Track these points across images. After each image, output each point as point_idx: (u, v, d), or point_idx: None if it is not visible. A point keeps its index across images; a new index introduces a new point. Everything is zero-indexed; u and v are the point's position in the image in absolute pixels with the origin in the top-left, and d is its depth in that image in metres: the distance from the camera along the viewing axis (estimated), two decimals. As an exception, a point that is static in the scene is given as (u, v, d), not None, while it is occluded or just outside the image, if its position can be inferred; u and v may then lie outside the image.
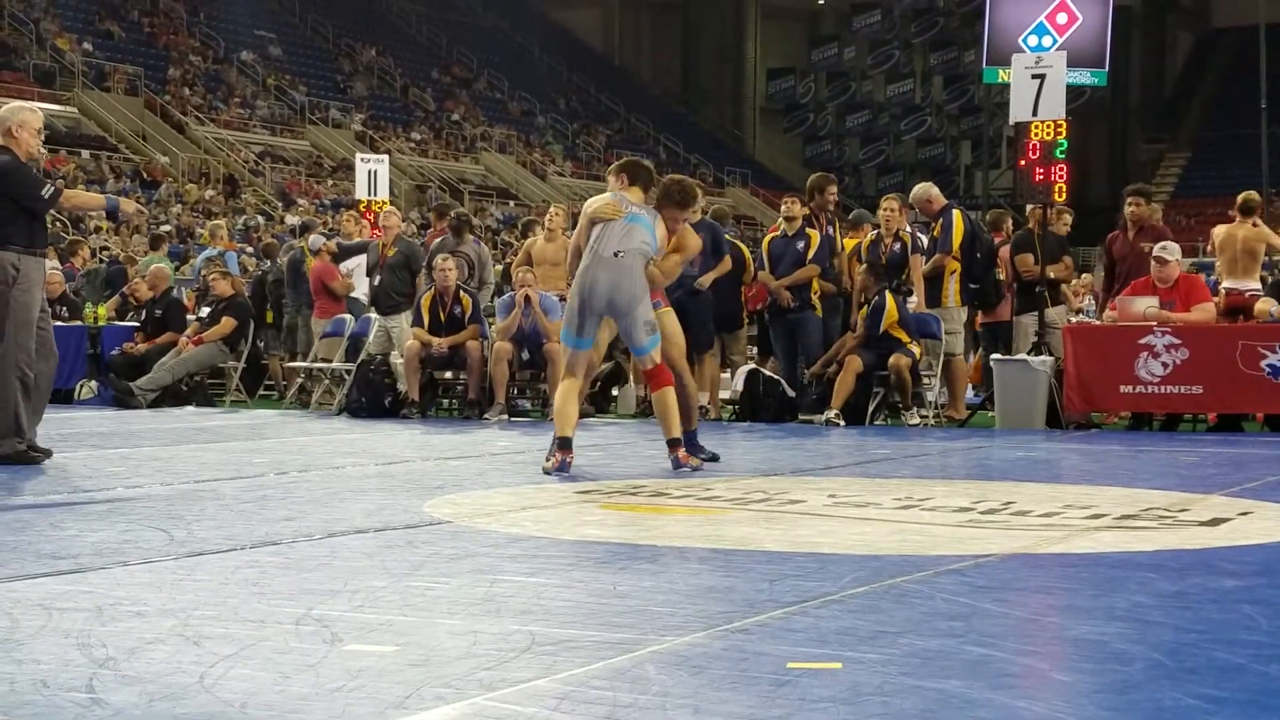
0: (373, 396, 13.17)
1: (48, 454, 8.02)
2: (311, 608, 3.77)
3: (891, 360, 11.61)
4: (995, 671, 3.12)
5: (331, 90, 42.70)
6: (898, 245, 12.28)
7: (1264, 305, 11.25)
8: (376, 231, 15.50)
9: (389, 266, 14.02)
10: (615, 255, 7.79)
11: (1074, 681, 3.06)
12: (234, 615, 3.69)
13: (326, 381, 14.31)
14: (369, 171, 18.36)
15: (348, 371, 13.67)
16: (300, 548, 4.91)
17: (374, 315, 14.11)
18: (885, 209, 12.45)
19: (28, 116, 8.10)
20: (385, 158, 20.57)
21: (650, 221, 7.96)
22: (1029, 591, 4.25)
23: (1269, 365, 10.64)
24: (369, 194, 18.11)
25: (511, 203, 40.42)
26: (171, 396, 14.61)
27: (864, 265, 12.08)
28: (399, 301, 13.87)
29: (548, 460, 7.73)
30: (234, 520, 5.66)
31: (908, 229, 12.59)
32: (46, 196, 7.95)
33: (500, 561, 4.64)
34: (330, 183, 36.45)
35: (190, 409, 14.19)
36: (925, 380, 12.05)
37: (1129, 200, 12.13)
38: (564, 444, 7.70)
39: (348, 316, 14.50)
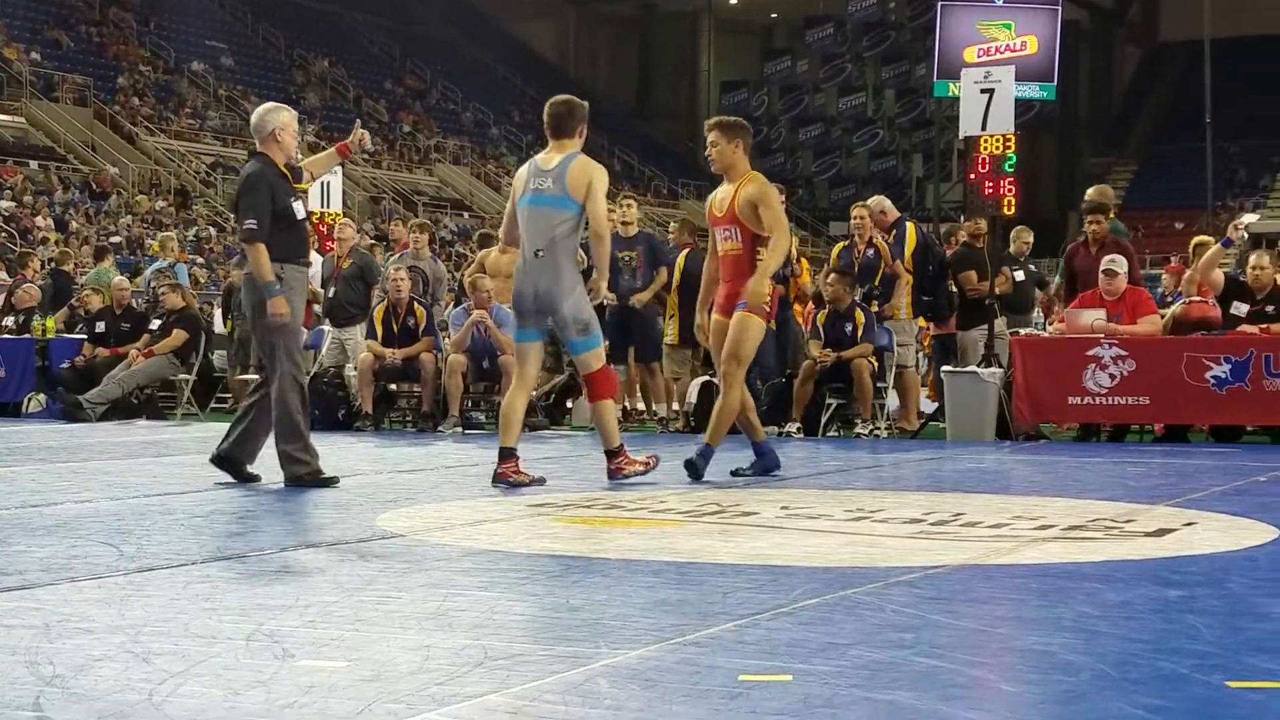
0: (326, 409, 13.11)
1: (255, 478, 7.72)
2: (262, 623, 3.76)
3: (855, 364, 11.69)
4: (944, 682, 3.15)
5: (283, 101, 42.35)
6: (870, 251, 12.40)
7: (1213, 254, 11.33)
8: (330, 244, 15.44)
9: (343, 278, 13.99)
10: (536, 255, 7.59)
11: (1020, 692, 3.10)
12: (184, 631, 3.68)
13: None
14: (322, 183, 18.29)
15: (300, 384, 13.60)
16: (251, 562, 4.89)
17: (328, 327, 14.07)
18: (856, 216, 12.64)
19: (286, 118, 7.82)
20: (338, 169, 20.51)
21: (559, 190, 7.53)
22: (978, 603, 4.29)
23: (1213, 377, 10.78)
24: (322, 206, 18.05)
25: (466, 214, 40.37)
26: (121, 410, 14.51)
27: (833, 273, 12.18)
28: (353, 313, 13.85)
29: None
30: (185, 535, 5.63)
31: (880, 236, 12.70)
32: (242, 228, 7.66)
33: (453, 575, 4.64)
34: (283, 194, 36.27)
35: (141, 422, 14.09)
36: (880, 390, 12.14)
37: (1090, 219, 12.20)
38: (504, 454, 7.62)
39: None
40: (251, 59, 44.17)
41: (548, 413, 13.76)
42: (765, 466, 8.20)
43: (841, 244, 12.97)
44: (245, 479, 7.68)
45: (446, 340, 13.31)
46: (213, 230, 31.96)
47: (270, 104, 8.05)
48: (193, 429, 13.28)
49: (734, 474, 8.11)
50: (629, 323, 12.85)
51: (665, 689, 3.08)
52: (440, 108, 48.24)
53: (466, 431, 12.68)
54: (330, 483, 7.53)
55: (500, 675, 3.17)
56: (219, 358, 16.06)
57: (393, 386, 13.37)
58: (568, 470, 9.12)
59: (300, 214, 7.73)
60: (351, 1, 49.52)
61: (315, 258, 15.36)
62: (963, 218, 12.99)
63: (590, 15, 56.52)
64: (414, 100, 47.51)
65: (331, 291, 14.12)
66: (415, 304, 13.07)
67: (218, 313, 17.11)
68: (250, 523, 6.01)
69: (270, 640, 3.55)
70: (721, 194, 8.05)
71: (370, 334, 13.09)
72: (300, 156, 8.04)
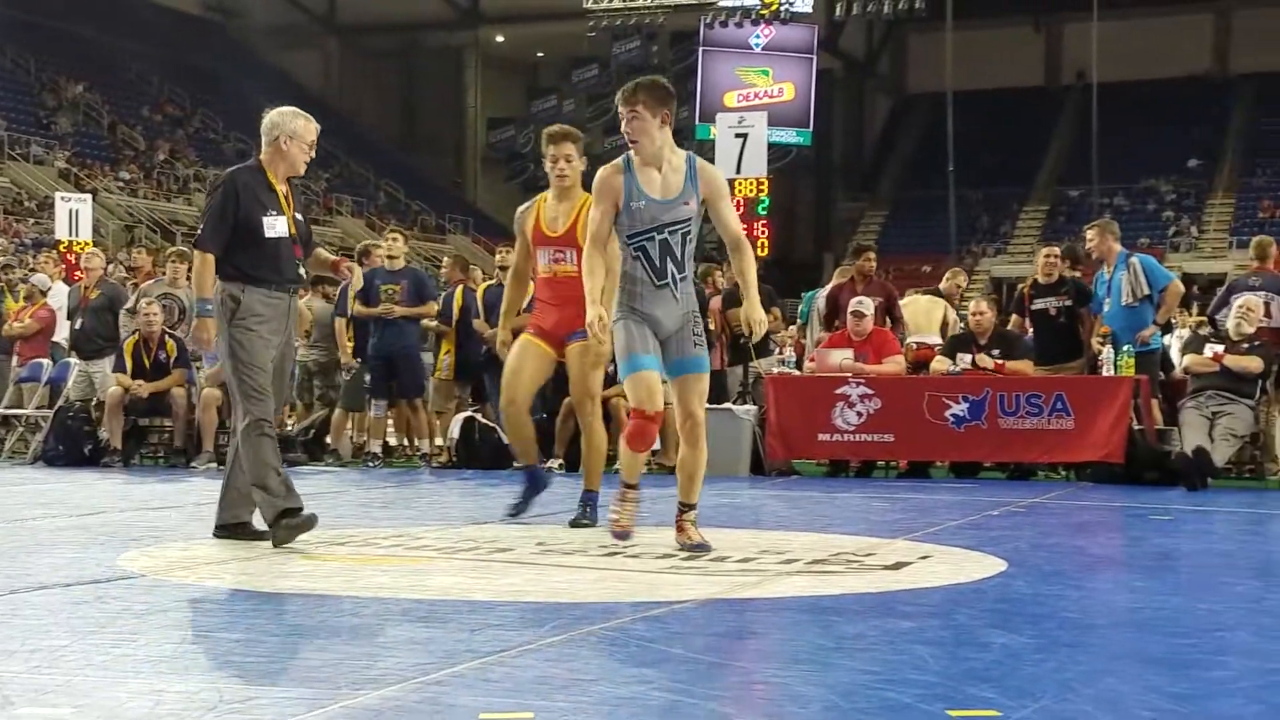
0: (71, 444, 12.73)
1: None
2: (-16, 670, 3.61)
3: (611, 402, 11.80)
4: (682, 716, 3.21)
5: (33, 126, 40.93)
6: None
7: (939, 364, 11.88)
8: (78, 274, 14.99)
9: (91, 309, 13.60)
10: None
11: (753, 724, 3.19)
12: (-104, 681, 3.51)
13: (20, 429, 13.70)
14: (70, 211, 17.75)
15: (44, 418, 13.13)
16: (-22, 606, 4.70)
17: (74, 360, 13.63)
18: None
19: (300, 127, 6.80)
20: (88, 197, 19.95)
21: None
22: (720, 636, 4.38)
23: (952, 415, 11.24)
24: (70, 234, 17.52)
25: (226, 245, 39.40)
26: None
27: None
28: (101, 346, 13.46)
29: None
30: (-92, 578, 5.37)
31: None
32: (199, 234, 6.69)
33: (194, 616, 4.54)
34: (32, 221, 34.90)
35: None
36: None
37: (866, 257, 12.80)
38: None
39: (45, 361, 13.95)
40: (-2, 81, 42.44)
41: (306, 448, 13.55)
42: (534, 491, 7.82)
43: None
44: (257, 537, 6.69)
45: (201, 373, 12.99)
46: (-48, 257, 30.52)
47: (290, 109, 6.99)
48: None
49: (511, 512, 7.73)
50: (393, 359, 12.68)
51: (403, 728, 3.08)
52: (200, 136, 47.07)
53: (220, 467, 12.37)
54: (310, 522, 6.57)
55: None
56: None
57: (144, 421, 13.00)
58: (325, 507, 8.96)
59: (271, 232, 6.62)
60: (106, 25, 47.93)
61: (61, 287, 14.90)
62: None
63: (353, 48, 55.92)
64: (172, 128, 46.26)
65: (78, 323, 13.71)
66: (167, 337, 12.75)
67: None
68: (-20, 564, 5.77)
69: (-10, 688, 3.41)
70: (555, 211, 7.39)
71: (120, 366, 12.71)
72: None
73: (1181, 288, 11.59)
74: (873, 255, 13.08)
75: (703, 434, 6.32)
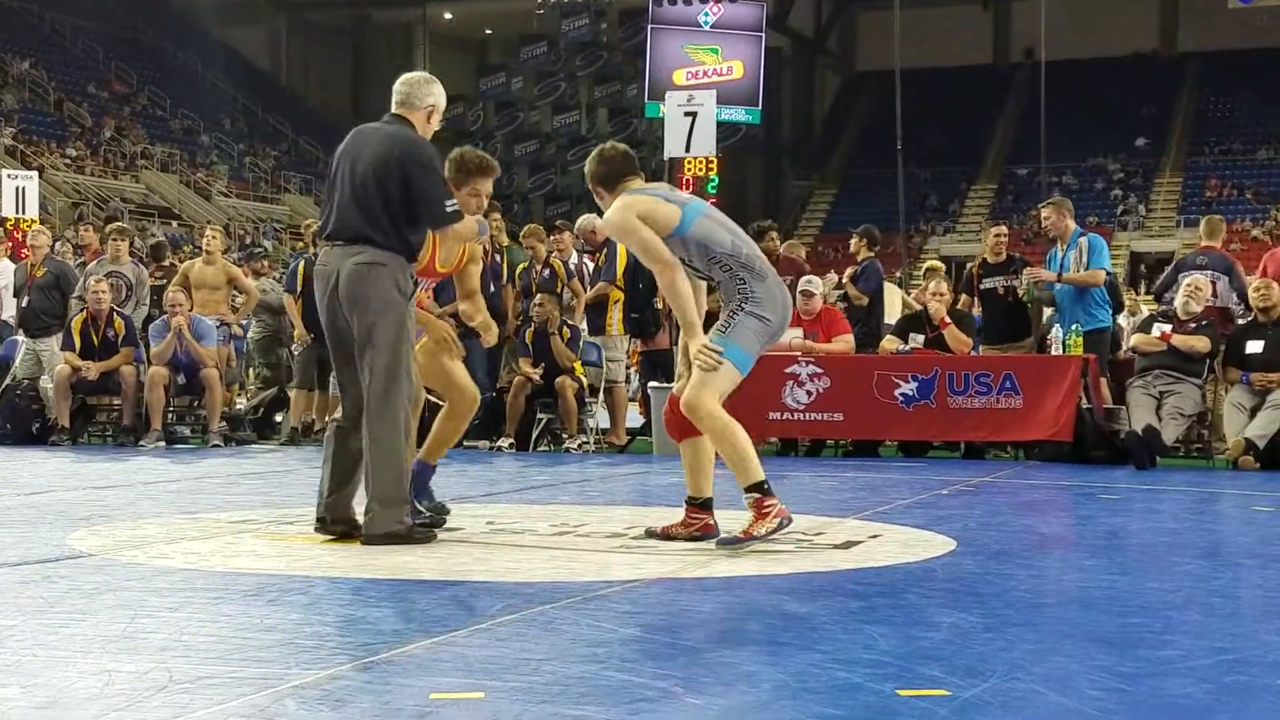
0: (19, 423, 12.67)
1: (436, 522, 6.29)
2: (-69, 652, 3.58)
3: (558, 382, 11.83)
4: (632, 696, 3.22)
5: (-22, 100, 40.43)
6: (546, 271, 12.65)
7: (888, 343, 11.94)
8: (24, 251, 14.87)
9: (38, 287, 13.52)
10: None
11: (703, 704, 3.19)
12: None
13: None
14: (17, 188, 17.60)
15: (-10, 397, 13.03)
16: (-76, 587, 4.65)
17: (21, 338, 13.53)
18: (526, 241, 13.23)
19: (441, 98, 6.28)
20: (35, 174, 19.77)
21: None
22: (670, 615, 4.39)
23: (901, 394, 11.30)
24: (17, 212, 17.38)
25: (174, 223, 39.09)
26: None
27: (540, 293, 12.34)
28: (49, 324, 13.38)
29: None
30: None
31: (576, 258, 12.90)
32: (449, 212, 5.92)
33: (143, 596, 4.51)
34: (-26, 198, 34.44)
35: None
36: (589, 406, 12.33)
37: (769, 237, 12.84)
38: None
39: (-7, 339, 13.85)
40: (-61, 56, 41.84)
41: (255, 426, 13.48)
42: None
43: (521, 265, 13.20)
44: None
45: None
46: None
47: (425, 75, 6.43)
48: None
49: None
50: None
51: (354, 710, 3.06)
52: (147, 113, 46.57)
53: (170, 446, 12.33)
54: (426, 538, 5.96)
55: (183, 699, 3.10)
56: None
57: (92, 400, 12.91)
58: (273, 486, 8.95)
59: None
60: (51, 1, 47.34)
61: (7, 265, 14.75)
62: None
63: (301, 24, 55.47)
64: (119, 105, 45.74)
65: (25, 301, 13.60)
66: (115, 315, 12.66)
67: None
68: (-75, 545, 5.71)
69: (-62, 670, 3.38)
70: (450, 245, 6.48)
71: (68, 345, 12.62)
72: None
73: (1100, 279, 11.65)
74: (775, 235, 13.08)
75: (699, 422, 6.25)
